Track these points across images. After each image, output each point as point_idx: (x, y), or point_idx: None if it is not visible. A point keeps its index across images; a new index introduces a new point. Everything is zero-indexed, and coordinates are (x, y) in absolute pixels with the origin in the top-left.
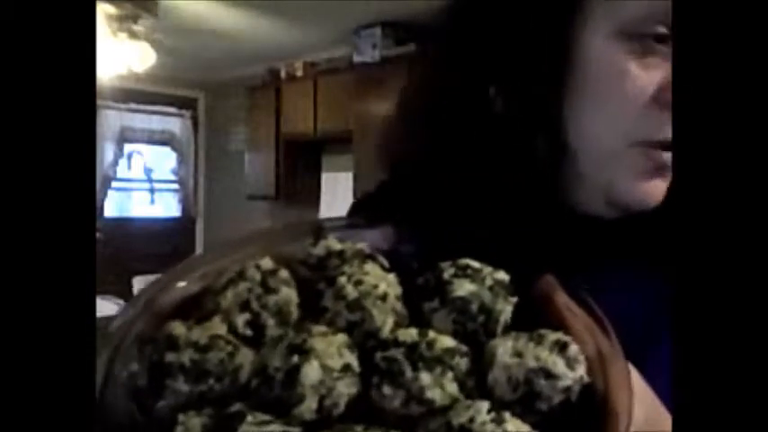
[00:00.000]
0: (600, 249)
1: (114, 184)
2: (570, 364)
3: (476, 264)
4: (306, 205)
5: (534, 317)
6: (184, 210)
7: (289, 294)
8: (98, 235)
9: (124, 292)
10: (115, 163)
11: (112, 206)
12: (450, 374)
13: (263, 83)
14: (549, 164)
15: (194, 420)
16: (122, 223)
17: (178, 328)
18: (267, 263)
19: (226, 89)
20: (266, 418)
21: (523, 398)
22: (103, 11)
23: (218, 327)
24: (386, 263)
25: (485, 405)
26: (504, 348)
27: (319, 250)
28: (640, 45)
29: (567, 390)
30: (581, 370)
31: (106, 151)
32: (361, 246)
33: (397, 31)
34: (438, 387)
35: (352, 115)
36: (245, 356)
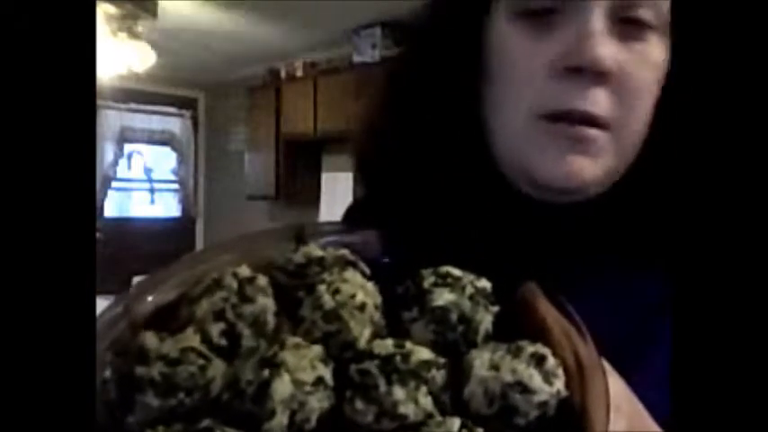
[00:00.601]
0: (567, 243)
1: (114, 184)
2: (548, 378)
3: (456, 272)
4: (306, 205)
5: (516, 324)
6: (184, 210)
7: (265, 304)
8: (98, 235)
9: (124, 292)
10: (115, 163)
11: (112, 206)
12: (424, 388)
13: (263, 83)
14: (484, 151)
15: None
16: (122, 223)
17: (150, 339)
18: (244, 270)
19: (226, 89)
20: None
21: (500, 412)
22: (103, 11)
23: (191, 339)
24: (367, 270)
25: (456, 422)
26: (480, 361)
27: (299, 257)
28: (532, 22)
29: (544, 404)
30: (558, 384)
31: (106, 151)
32: (343, 252)
33: (397, 32)
34: (411, 402)
35: (353, 115)
36: (217, 369)
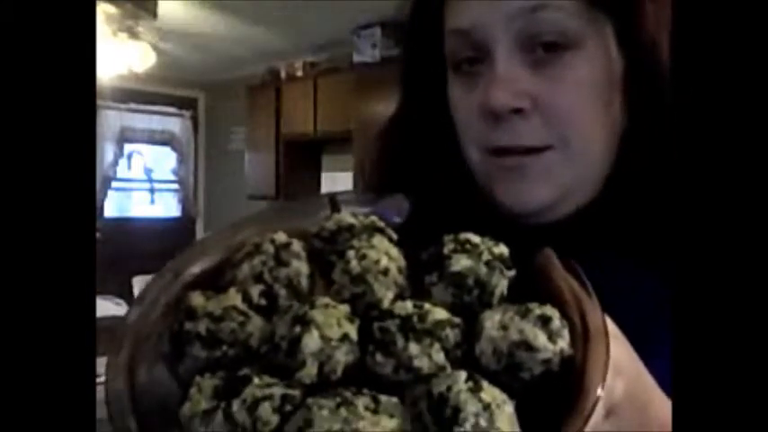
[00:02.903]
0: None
1: (114, 184)
2: (552, 337)
3: (475, 238)
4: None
5: (533, 287)
6: (184, 210)
7: (299, 267)
8: (98, 235)
9: (124, 292)
10: (115, 163)
11: (112, 206)
12: (437, 345)
13: (263, 83)
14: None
15: (207, 382)
16: (122, 223)
17: (197, 299)
18: (281, 236)
19: (226, 89)
20: (271, 381)
21: (507, 368)
22: (103, 11)
23: (233, 298)
24: (394, 236)
25: (462, 375)
26: (491, 321)
27: (331, 224)
28: (464, 72)
29: (548, 361)
30: (562, 343)
31: (106, 151)
32: (372, 219)
33: (397, 31)
34: (425, 356)
35: (352, 115)
36: (256, 325)
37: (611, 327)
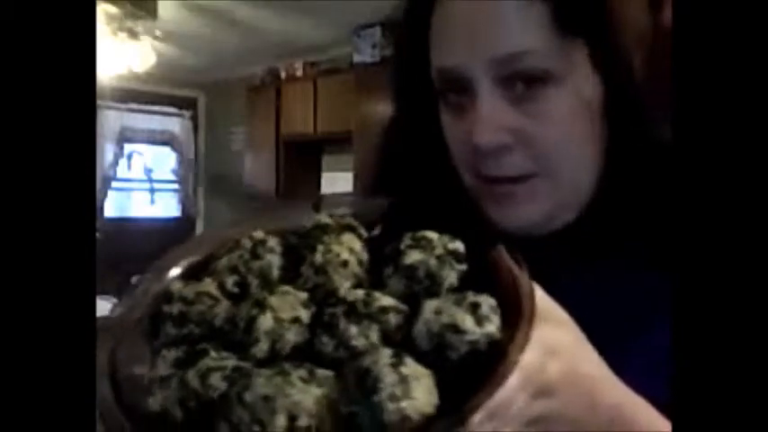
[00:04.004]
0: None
1: (114, 184)
2: (480, 321)
3: (432, 235)
4: (304, 205)
5: (486, 278)
6: (184, 210)
7: (272, 260)
8: (98, 235)
9: (124, 292)
10: (115, 163)
11: (112, 206)
12: (375, 327)
13: (262, 83)
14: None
15: (171, 354)
16: (122, 223)
17: (175, 285)
18: (259, 234)
19: (226, 89)
20: (226, 354)
21: (437, 348)
22: (103, 11)
23: (208, 285)
24: (364, 233)
25: (388, 352)
26: (429, 307)
27: (309, 223)
28: (452, 103)
29: (475, 343)
30: (490, 327)
31: (106, 151)
32: (346, 220)
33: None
34: (362, 337)
35: (352, 115)
36: (223, 308)
37: (560, 313)
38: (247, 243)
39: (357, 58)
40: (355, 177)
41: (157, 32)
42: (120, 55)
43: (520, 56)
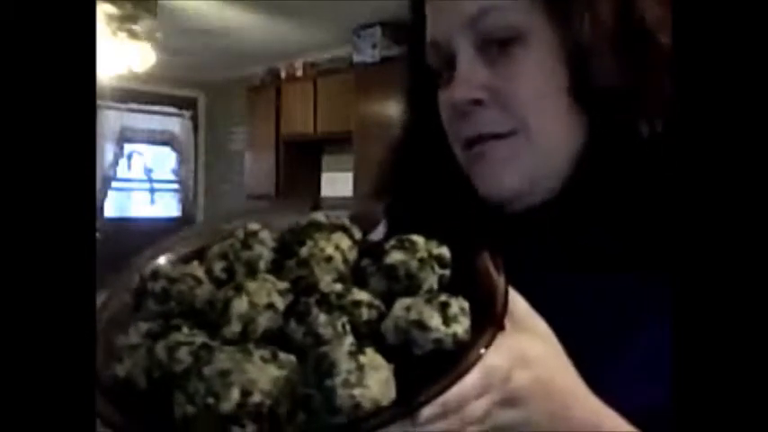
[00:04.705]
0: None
1: (114, 184)
2: (447, 321)
3: (418, 239)
4: (306, 205)
5: (467, 283)
6: (184, 210)
7: (261, 251)
8: (98, 235)
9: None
10: (115, 163)
11: (112, 206)
12: (344, 319)
13: (262, 83)
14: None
15: (144, 325)
16: (122, 223)
17: (163, 264)
18: (253, 226)
19: (226, 89)
20: (196, 331)
21: (403, 343)
22: (103, 11)
23: (194, 268)
24: (357, 234)
25: (348, 340)
26: (400, 304)
27: (303, 221)
28: (441, 80)
29: (439, 341)
30: (457, 327)
31: (106, 151)
32: (340, 220)
33: (397, 32)
34: (330, 326)
35: (352, 115)
36: (205, 290)
37: (539, 324)
38: (240, 233)
39: (357, 58)
40: (355, 177)
41: (157, 33)
42: (120, 55)
43: (488, 10)
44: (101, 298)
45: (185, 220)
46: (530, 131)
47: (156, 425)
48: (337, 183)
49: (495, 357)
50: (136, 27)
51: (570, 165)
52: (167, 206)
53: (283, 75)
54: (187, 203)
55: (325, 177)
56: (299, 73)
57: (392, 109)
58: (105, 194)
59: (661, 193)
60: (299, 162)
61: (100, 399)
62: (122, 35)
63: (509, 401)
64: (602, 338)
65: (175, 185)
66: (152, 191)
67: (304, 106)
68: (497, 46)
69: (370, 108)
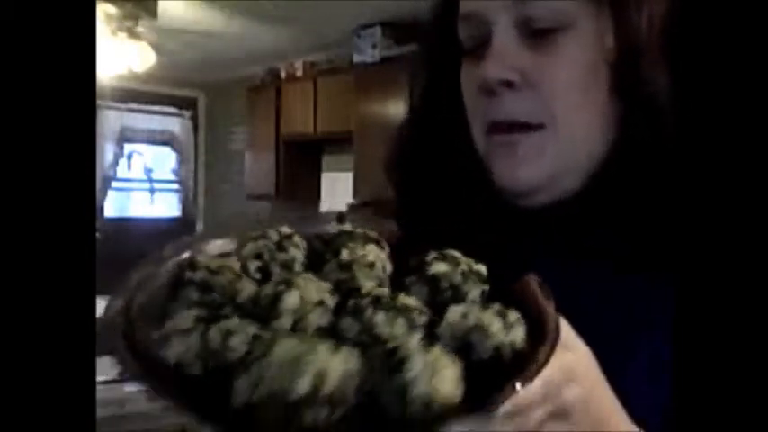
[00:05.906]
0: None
1: (114, 184)
2: (506, 327)
3: (458, 254)
4: (306, 205)
5: (510, 302)
6: (184, 210)
7: (295, 254)
8: (98, 235)
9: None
10: (115, 163)
11: (112, 206)
12: (401, 320)
13: (262, 83)
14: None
15: (191, 312)
16: (122, 223)
17: (201, 256)
18: (286, 229)
19: (226, 89)
20: (248, 321)
21: (460, 349)
22: (103, 11)
23: (232, 262)
24: (387, 248)
25: (417, 335)
26: (454, 310)
27: (333, 229)
28: (472, 53)
29: (498, 348)
30: (514, 335)
31: (106, 151)
32: (370, 232)
33: (397, 31)
34: (388, 326)
35: (352, 115)
36: (245, 286)
37: (579, 343)
38: (274, 235)
39: (357, 58)
40: (355, 177)
41: (157, 32)
42: (120, 55)
43: None
44: (131, 283)
45: (185, 220)
46: (558, 127)
47: (210, 411)
48: (337, 183)
49: (549, 371)
50: (136, 27)
51: (593, 164)
52: (167, 206)
53: (283, 75)
54: (187, 203)
55: (326, 177)
56: (299, 73)
57: (392, 109)
58: (105, 194)
59: (670, 195)
60: (299, 162)
61: (148, 381)
62: (122, 35)
63: (559, 415)
64: (610, 340)
65: (175, 185)
66: (152, 191)
67: (304, 106)
68: (538, 28)
69: (370, 108)
